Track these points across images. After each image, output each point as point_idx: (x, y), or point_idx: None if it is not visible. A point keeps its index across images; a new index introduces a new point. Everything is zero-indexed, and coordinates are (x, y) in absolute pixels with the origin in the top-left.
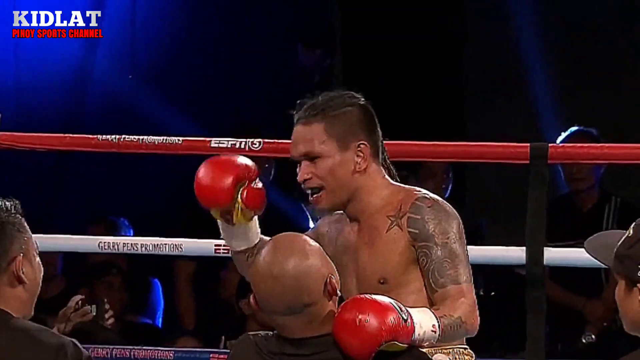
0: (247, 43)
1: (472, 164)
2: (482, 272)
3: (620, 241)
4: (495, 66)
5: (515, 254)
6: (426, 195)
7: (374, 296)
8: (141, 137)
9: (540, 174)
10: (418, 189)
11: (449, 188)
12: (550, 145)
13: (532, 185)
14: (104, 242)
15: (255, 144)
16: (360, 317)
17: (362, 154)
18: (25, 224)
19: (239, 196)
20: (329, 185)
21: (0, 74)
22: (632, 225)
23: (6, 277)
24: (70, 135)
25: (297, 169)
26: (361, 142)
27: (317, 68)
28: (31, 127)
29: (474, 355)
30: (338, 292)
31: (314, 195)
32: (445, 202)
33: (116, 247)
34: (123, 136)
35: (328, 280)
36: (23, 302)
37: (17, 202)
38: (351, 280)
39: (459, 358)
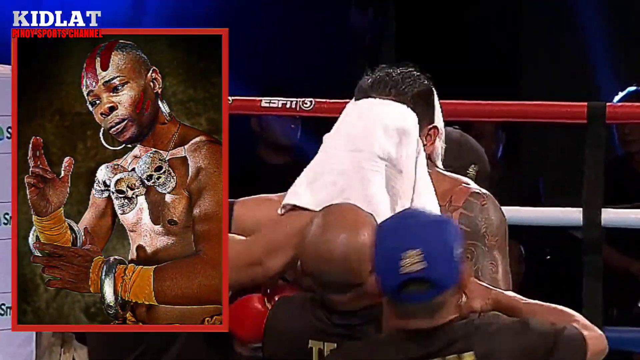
0: (298, 3)
1: (528, 124)
2: (538, 235)
3: None
4: (552, 25)
5: (573, 215)
6: (478, 191)
7: None
8: None
9: (598, 134)
10: (465, 179)
11: (500, 149)
12: (608, 104)
13: (589, 146)
14: None
15: (307, 104)
16: None
17: (431, 139)
18: None
19: None
20: None
21: None
22: None
23: None
24: None
25: None
26: (433, 126)
27: (369, 28)
28: None
29: None
30: None
31: None
32: (494, 198)
33: None
34: None
35: None
36: None
37: None
38: None
39: None
